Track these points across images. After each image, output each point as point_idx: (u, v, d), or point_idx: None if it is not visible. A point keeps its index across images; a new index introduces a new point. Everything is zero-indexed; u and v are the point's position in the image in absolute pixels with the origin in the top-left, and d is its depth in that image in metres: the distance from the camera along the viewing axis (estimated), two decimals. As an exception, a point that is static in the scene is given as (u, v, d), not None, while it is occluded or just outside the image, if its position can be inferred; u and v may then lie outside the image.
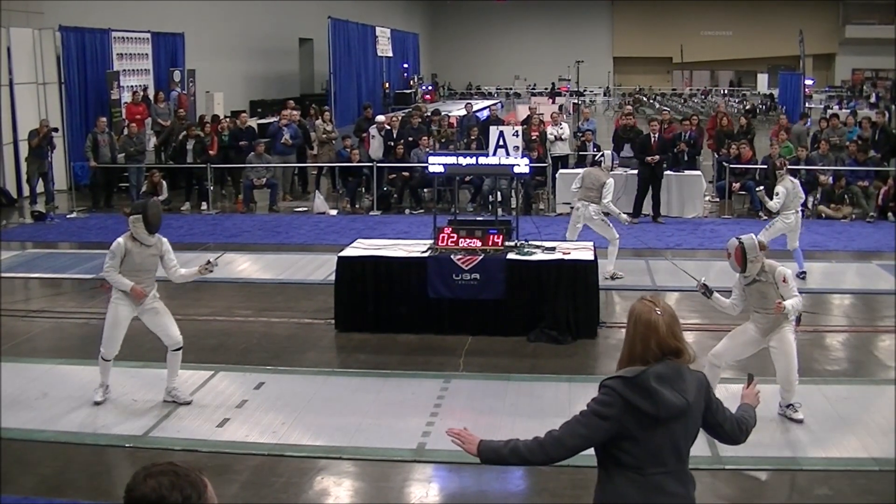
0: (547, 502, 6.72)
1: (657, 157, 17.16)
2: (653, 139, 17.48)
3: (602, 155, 13.67)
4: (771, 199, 12.54)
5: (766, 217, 17.46)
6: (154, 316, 8.46)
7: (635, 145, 17.96)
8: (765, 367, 7.81)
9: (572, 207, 13.33)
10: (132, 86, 23.43)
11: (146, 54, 24.49)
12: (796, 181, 12.92)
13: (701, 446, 7.39)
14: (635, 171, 18.04)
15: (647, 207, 17.59)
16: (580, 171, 18.52)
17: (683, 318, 8.62)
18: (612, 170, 13.39)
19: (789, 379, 7.86)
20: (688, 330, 9.23)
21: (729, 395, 7.93)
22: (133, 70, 23.81)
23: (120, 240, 8.26)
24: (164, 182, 19.45)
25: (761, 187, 13.96)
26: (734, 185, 18.37)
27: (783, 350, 7.85)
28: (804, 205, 13.75)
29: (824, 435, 7.69)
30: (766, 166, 18.06)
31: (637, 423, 3.75)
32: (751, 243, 7.85)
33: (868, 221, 17.30)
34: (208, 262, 8.46)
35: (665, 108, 41.71)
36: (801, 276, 12.76)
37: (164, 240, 8.45)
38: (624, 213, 14.02)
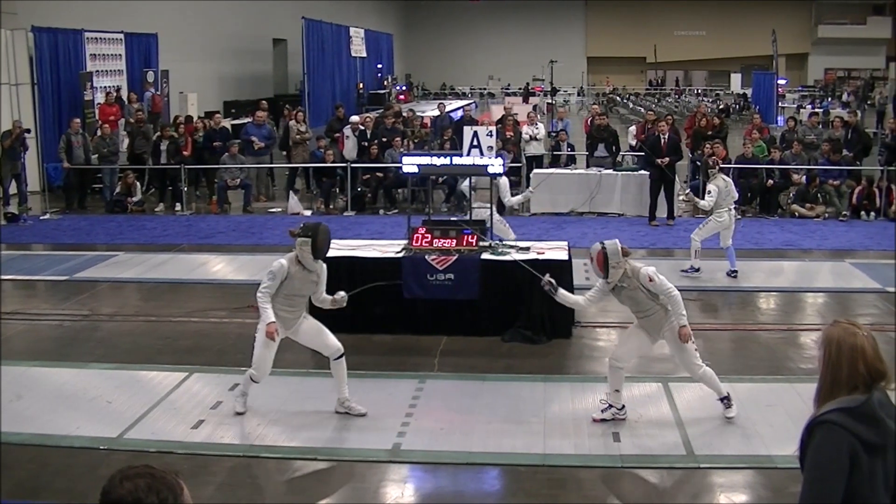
0: (523, 502, 6.74)
1: (668, 158, 16.95)
2: (663, 140, 17.15)
3: None
4: (703, 197, 12.97)
5: (703, 215, 17.62)
6: (306, 333, 8.20)
7: (646, 147, 17.65)
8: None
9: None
10: (105, 87, 23.28)
11: (119, 55, 24.36)
12: (729, 180, 13.22)
13: (675, 444, 7.49)
14: (609, 171, 18.12)
15: (643, 208, 17.63)
16: (552, 171, 18.59)
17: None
18: None
19: (694, 371, 7.87)
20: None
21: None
22: (106, 71, 23.67)
23: (283, 261, 7.85)
24: (137, 183, 19.40)
25: (688, 189, 14.30)
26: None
27: (679, 355, 7.89)
28: (738, 203, 13.91)
29: (798, 432, 7.72)
30: (739, 166, 18.32)
31: (862, 456, 3.44)
32: (613, 248, 7.68)
33: (841, 220, 17.46)
34: (342, 295, 8.19)
35: (640, 106, 41.92)
36: (733, 274, 12.93)
37: (325, 266, 8.16)
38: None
